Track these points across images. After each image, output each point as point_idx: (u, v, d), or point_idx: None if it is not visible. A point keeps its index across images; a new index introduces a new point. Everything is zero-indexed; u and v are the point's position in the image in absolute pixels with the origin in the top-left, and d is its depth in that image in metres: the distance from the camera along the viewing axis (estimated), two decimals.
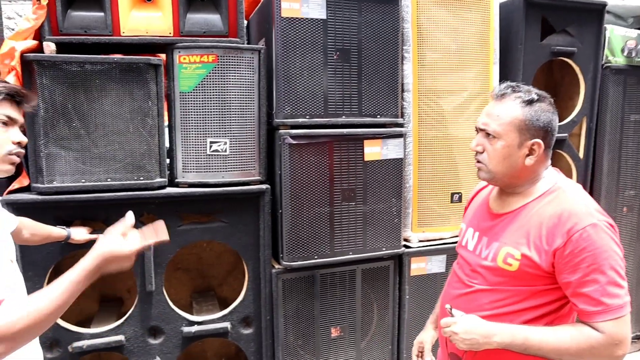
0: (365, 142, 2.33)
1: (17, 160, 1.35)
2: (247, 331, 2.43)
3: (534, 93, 1.36)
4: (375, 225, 2.40)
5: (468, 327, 1.32)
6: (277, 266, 2.37)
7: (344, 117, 2.31)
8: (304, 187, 2.26)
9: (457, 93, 2.53)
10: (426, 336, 1.73)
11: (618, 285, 1.24)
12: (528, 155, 1.35)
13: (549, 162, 1.42)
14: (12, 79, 1.99)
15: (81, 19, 2.12)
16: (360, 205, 2.36)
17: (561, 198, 1.33)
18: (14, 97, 1.33)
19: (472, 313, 1.39)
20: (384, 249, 2.44)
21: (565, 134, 2.87)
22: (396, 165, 2.41)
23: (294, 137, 2.22)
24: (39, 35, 2.10)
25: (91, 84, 2.04)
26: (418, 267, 2.57)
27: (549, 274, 1.30)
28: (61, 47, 2.13)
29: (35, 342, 1.45)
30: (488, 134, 1.37)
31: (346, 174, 2.32)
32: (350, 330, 2.51)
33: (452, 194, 2.59)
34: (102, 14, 2.12)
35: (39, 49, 2.11)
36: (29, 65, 2.00)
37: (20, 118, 1.36)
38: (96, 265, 1.18)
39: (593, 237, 1.24)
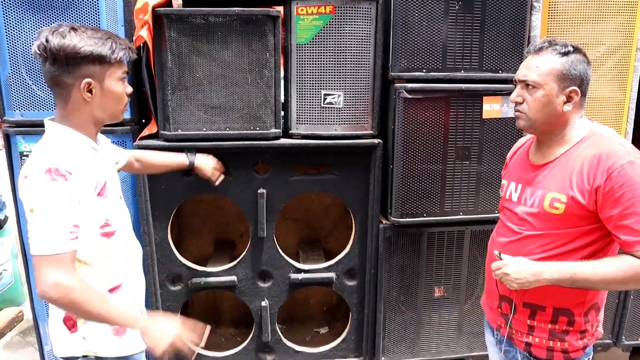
0: (485, 98, 2.21)
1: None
2: (351, 283, 2.49)
3: (569, 45, 1.43)
4: (489, 186, 2.30)
5: (518, 267, 1.41)
6: (384, 221, 2.38)
7: (462, 71, 2.20)
8: (416, 143, 2.21)
9: (592, 47, 2.28)
10: None
11: None
12: (566, 102, 1.43)
13: (584, 111, 1.49)
14: (144, 33, 2.12)
15: None
16: (474, 165, 2.27)
17: (599, 141, 1.42)
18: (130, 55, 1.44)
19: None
20: (496, 211, 2.33)
21: None
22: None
23: (409, 91, 2.15)
24: None
25: (213, 36, 2.12)
26: None
27: (593, 213, 1.39)
28: (187, 2, 2.22)
29: (139, 270, 1.63)
30: (527, 85, 1.45)
31: (462, 132, 2.22)
32: (454, 291, 2.47)
33: None
34: None
35: (169, 3, 2.21)
36: (159, 19, 2.12)
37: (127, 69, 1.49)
38: (138, 328, 1.38)
39: (631, 173, 1.32)
